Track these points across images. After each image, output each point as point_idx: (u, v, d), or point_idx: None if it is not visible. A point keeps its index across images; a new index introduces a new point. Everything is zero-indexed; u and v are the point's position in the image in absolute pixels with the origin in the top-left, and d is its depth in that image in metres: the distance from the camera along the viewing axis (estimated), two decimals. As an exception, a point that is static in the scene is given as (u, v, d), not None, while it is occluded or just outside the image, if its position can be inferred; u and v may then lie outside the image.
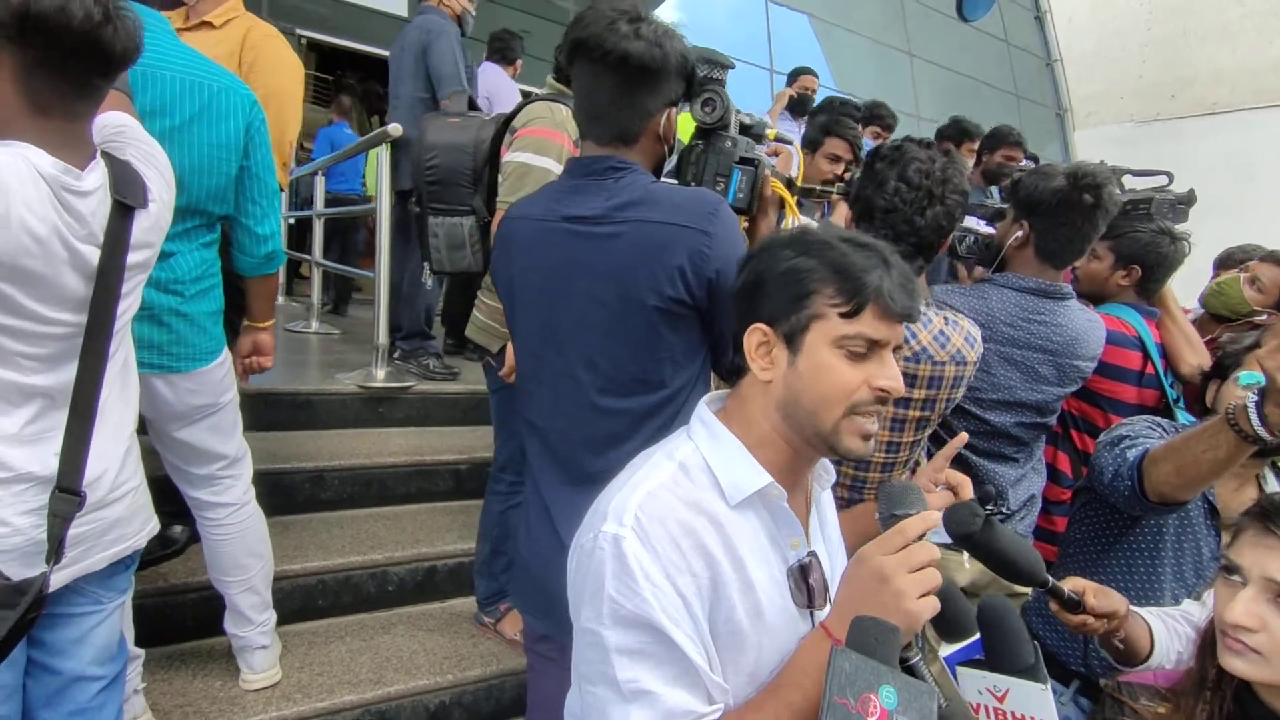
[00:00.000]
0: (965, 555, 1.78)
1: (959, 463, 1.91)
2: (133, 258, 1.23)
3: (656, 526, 0.85)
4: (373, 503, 2.92)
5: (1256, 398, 1.23)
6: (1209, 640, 0.96)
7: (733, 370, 0.99)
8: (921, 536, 0.83)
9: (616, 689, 0.83)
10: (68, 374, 1.18)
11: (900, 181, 1.60)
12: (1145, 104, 11.08)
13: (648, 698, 0.82)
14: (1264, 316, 2.30)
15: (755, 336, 0.94)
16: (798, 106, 4.50)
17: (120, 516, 1.31)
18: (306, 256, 4.90)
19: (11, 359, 1.13)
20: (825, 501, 1.10)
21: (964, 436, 1.21)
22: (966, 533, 1.10)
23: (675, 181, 1.53)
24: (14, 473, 1.15)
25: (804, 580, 0.95)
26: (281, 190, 2.50)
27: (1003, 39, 10.30)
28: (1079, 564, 1.75)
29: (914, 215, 1.60)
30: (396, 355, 3.65)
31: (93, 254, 1.17)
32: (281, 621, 2.38)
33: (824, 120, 2.88)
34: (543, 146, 1.88)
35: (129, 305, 1.29)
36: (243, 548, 1.95)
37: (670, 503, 0.88)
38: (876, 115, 4.06)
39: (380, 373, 3.32)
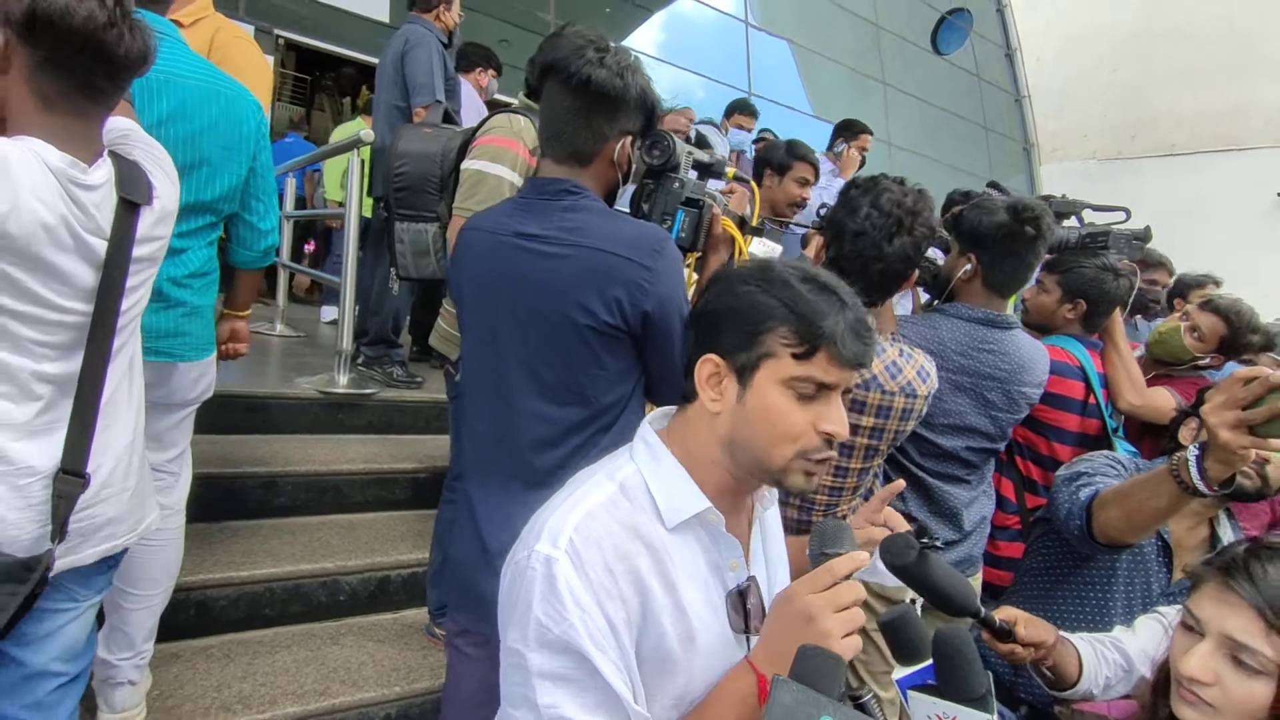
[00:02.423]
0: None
1: (915, 483, 1.95)
2: (138, 252, 1.29)
3: (591, 550, 0.85)
4: (328, 510, 2.86)
5: (1198, 452, 1.27)
6: (1163, 681, 0.97)
7: (683, 398, 1.00)
8: (849, 576, 0.83)
9: (536, 713, 0.82)
10: (76, 363, 1.23)
11: (872, 209, 1.67)
12: (1107, 143, 11.45)
13: None
14: (1205, 361, 2.38)
15: (707, 367, 0.94)
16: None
17: (114, 515, 1.34)
18: (274, 259, 4.84)
19: (25, 346, 1.17)
20: (769, 520, 1.10)
21: (900, 484, 1.23)
22: (902, 564, 1.13)
23: (629, 211, 1.57)
24: (20, 466, 1.18)
25: (742, 604, 0.95)
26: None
27: (974, 73, 10.58)
28: (1033, 591, 1.78)
29: (882, 241, 1.66)
30: (360, 361, 3.61)
31: (100, 246, 1.22)
32: (226, 630, 2.34)
33: (789, 145, 2.98)
34: (498, 154, 1.90)
35: (136, 300, 1.34)
36: (161, 561, 1.88)
37: (607, 525, 0.88)
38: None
39: (342, 378, 3.28)
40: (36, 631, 1.30)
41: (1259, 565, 0.88)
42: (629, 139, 1.41)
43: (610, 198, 1.46)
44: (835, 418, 0.90)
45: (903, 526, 1.14)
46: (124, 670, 1.85)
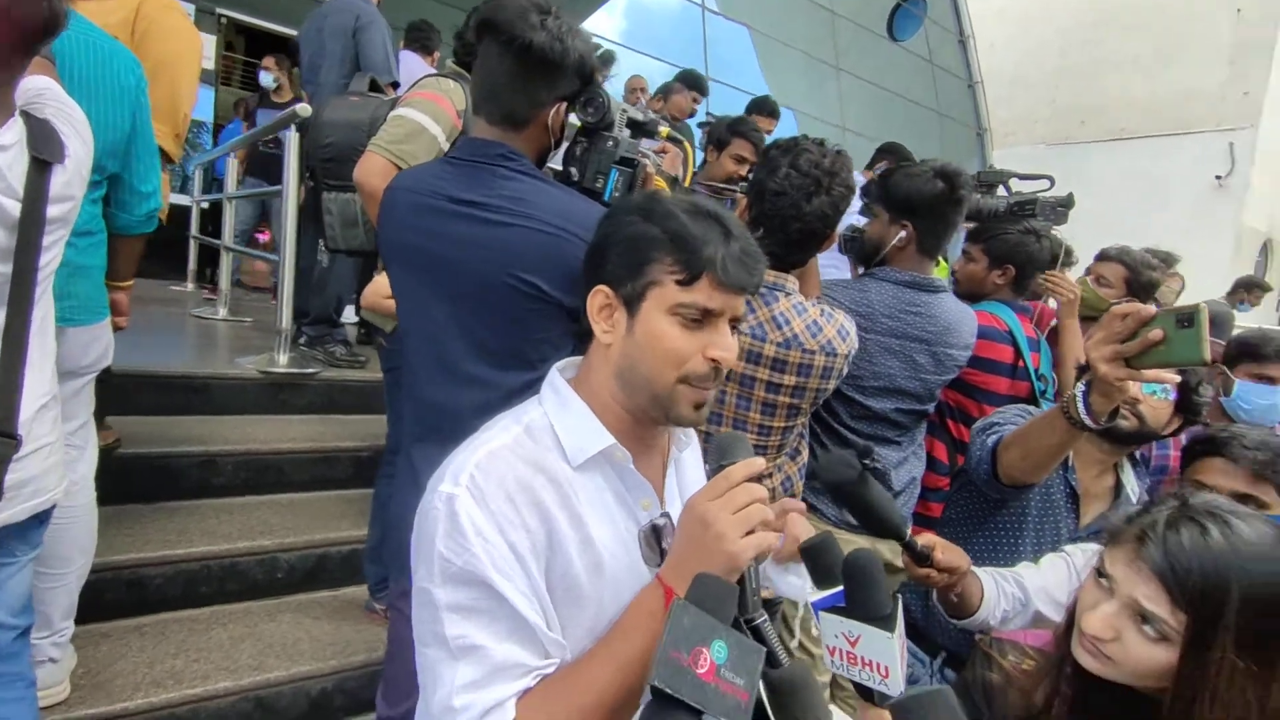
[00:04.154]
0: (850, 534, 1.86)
1: (846, 445, 1.99)
2: (52, 211, 1.29)
3: (491, 484, 0.85)
4: (269, 490, 2.83)
5: (1084, 388, 1.32)
6: (1070, 625, 1.01)
7: (582, 334, 1.01)
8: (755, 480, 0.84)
9: (446, 647, 0.82)
10: None
11: (791, 169, 1.69)
12: (1057, 128, 11.73)
13: (477, 653, 0.81)
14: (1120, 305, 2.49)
15: (598, 299, 0.95)
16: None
17: (39, 471, 1.37)
18: (217, 241, 4.73)
19: None
20: (686, 463, 1.10)
21: (800, 506, 1.20)
22: (841, 481, 1.15)
23: (560, 168, 1.57)
24: None
25: (657, 541, 0.96)
26: (174, 163, 2.45)
27: (927, 59, 10.72)
28: (952, 539, 1.84)
29: (801, 200, 1.68)
30: (303, 341, 3.56)
31: (14, 206, 1.23)
32: (161, 608, 2.31)
33: (732, 122, 2.98)
34: (437, 114, 1.88)
35: (51, 258, 1.34)
36: (73, 537, 1.84)
37: (509, 461, 0.88)
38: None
39: (283, 358, 3.24)
40: None
41: (1174, 536, 0.89)
42: (564, 105, 1.40)
43: (541, 162, 1.46)
44: (722, 344, 0.91)
45: (807, 531, 1.14)
46: (43, 649, 1.81)
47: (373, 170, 1.79)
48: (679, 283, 0.89)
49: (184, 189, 5.68)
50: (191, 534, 2.44)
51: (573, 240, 1.28)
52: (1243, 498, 1.34)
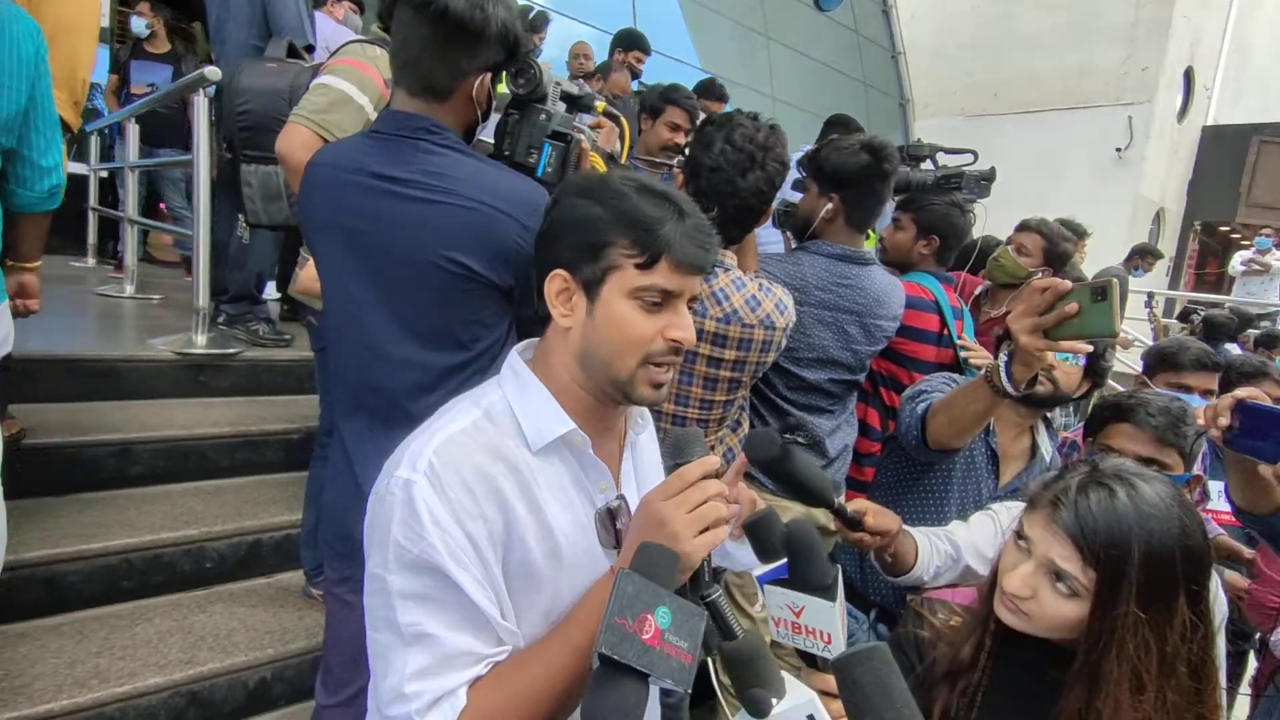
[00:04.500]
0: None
1: (781, 415, 2.04)
2: None
3: (450, 472, 0.84)
4: (192, 477, 2.71)
5: (1006, 358, 1.40)
6: (993, 585, 1.07)
7: (539, 319, 0.99)
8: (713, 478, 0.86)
9: (399, 633, 0.82)
10: None
11: (726, 144, 1.70)
12: (973, 100, 12.14)
13: (429, 640, 0.81)
14: (1038, 276, 2.61)
15: (556, 283, 0.94)
16: None
17: None
18: (119, 214, 4.43)
19: None
20: (642, 446, 1.11)
21: (742, 460, 1.23)
22: (766, 457, 1.18)
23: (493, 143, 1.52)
24: None
25: (611, 523, 0.97)
26: (72, 131, 2.27)
27: (853, 29, 10.85)
28: (883, 502, 1.92)
29: (736, 176, 1.70)
30: (221, 320, 3.39)
31: None
32: (80, 605, 2.20)
33: (664, 89, 2.96)
34: (363, 83, 1.79)
35: None
36: None
37: (467, 448, 0.87)
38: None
39: (201, 338, 3.07)
40: None
41: (1084, 500, 0.96)
42: (489, 75, 1.34)
43: (469, 135, 1.41)
44: (681, 324, 0.92)
45: (753, 504, 1.17)
46: None
47: (296, 142, 1.71)
48: (638, 266, 0.89)
49: (79, 156, 5.26)
50: (110, 526, 2.31)
51: (500, 217, 1.25)
52: (1147, 461, 1.45)
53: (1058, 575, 0.97)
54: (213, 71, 2.80)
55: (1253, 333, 6.05)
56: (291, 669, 2.15)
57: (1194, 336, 6.21)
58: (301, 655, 2.16)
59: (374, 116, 1.82)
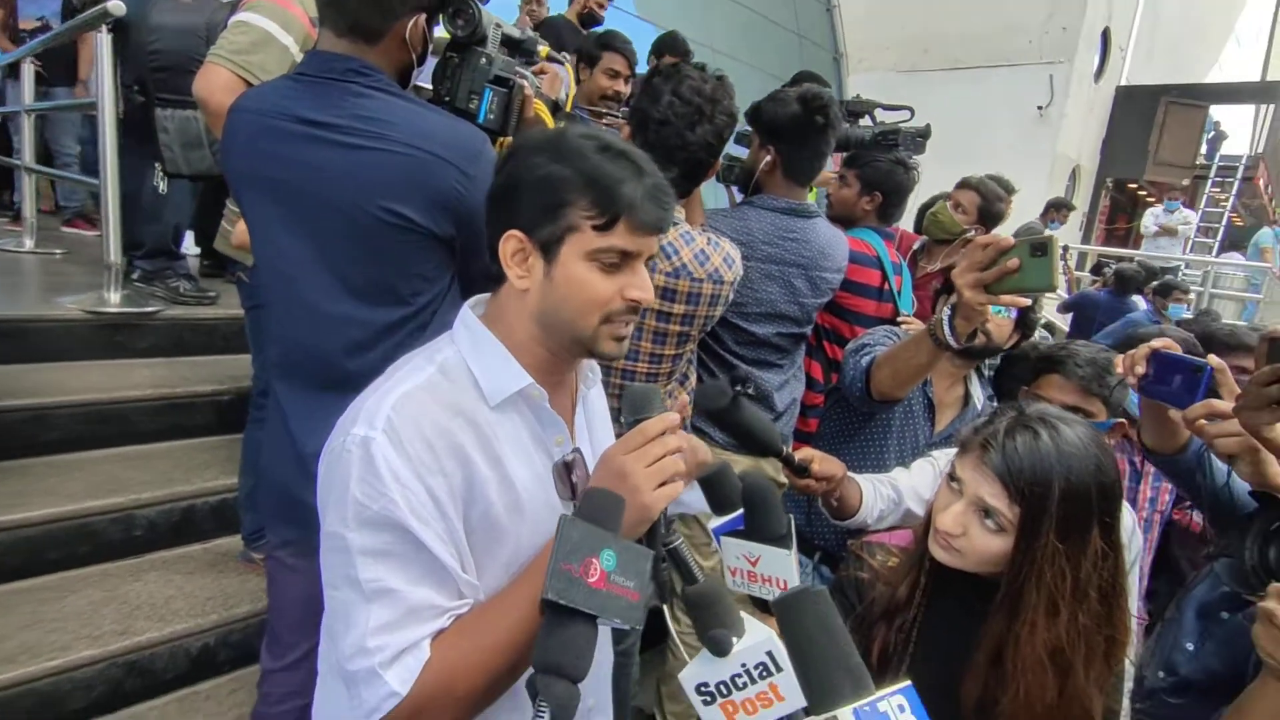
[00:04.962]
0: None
1: (731, 370, 2.07)
2: None
3: (409, 428, 0.84)
4: (114, 442, 2.58)
5: (949, 312, 1.45)
6: (928, 526, 1.13)
7: (492, 275, 0.97)
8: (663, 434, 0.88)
9: (359, 589, 0.82)
10: None
11: (674, 96, 1.67)
12: (904, 55, 12.28)
13: (390, 595, 0.81)
14: (971, 232, 2.70)
15: (511, 244, 0.92)
16: None
17: None
18: (16, 162, 4.07)
19: None
20: (593, 399, 1.13)
21: (685, 401, 1.25)
22: (716, 408, 1.21)
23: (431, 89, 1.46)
24: None
25: (568, 475, 0.98)
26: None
27: (788, -21, 10.75)
28: (826, 451, 2.00)
29: (685, 130, 1.68)
30: (136, 277, 3.19)
31: None
32: (2, 579, 2.08)
33: (600, 36, 2.88)
34: (287, 21, 1.69)
35: None
36: None
37: (425, 404, 0.87)
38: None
39: (114, 296, 2.88)
40: None
41: (1011, 442, 1.03)
42: (424, 16, 1.28)
43: (404, 80, 1.34)
44: (639, 283, 0.92)
45: (706, 454, 1.19)
46: None
47: (216, 84, 1.60)
48: (595, 228, 0.88)
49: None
50: (29, 495, 2.20)
51: (438, 163, 1.21)
52: (1074, 409, 1.54)
53: (986, 512, 1.04)
54: (116, 5, 2.56)
55: (1155, 284, 6.45)
56: (237, 633, 2.12)
57: (1106, 289, 6.57)
58: (246, 619, 2.13)
59: (299, 58, 1.71)
